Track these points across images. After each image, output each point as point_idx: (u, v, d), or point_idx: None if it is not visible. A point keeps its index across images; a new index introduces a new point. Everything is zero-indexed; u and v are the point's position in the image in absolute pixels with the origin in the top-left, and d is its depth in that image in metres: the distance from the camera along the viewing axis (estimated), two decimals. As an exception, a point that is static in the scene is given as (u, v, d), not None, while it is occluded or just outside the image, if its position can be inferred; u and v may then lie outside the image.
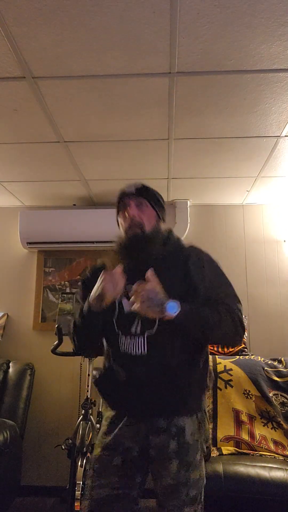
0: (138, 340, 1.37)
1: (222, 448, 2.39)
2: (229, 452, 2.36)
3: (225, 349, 2.96)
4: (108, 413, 1.46)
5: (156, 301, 1.27)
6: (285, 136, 2.25)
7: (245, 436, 2.45)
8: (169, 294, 1.31)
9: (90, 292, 1.42)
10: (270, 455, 2.35)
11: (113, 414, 1.44)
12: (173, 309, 1.27)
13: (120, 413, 1.42)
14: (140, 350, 1.37)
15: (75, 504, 2.02)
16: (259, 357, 2.85)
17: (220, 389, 2.64)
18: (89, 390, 2.46)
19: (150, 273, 1.31)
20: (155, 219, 1.52)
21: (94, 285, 1.41)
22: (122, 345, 1.40)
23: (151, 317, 1.31)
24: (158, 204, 1.55)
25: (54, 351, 2.49)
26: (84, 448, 2.16)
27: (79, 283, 1.64)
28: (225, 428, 2.50)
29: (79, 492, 2.02)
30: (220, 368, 2.72)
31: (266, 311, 3.22)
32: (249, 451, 2.39)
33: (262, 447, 2.41)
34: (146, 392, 1.35)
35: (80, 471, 2.09)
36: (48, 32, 1.49)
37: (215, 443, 2.43)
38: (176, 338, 1.37)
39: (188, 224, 3.32)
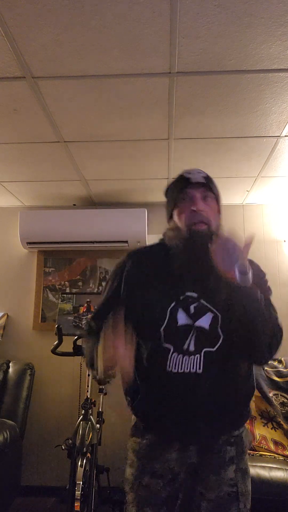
0: (194, 358, 1.18)
1: (222, 448, 2.39)
2: (229, 452, 2.36)
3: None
4: (148, 437, 1.26)
5: (231, 257, 1.10)
6: (285, 136, 2.25)
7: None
8: (232, 300, 1.18)
9: (118, 292, 1.27)
10: (270, 455, 2.36)
11: (154, 438, 1.25)
12: (243, 275, 1.11)
13: (167, 437, 1.24)
14: (195, 367, 1.18)
15: (75, 504, 2.01)
16: (259, 357, 2.84)
17: (220, 389, 2.64)
18: (89, 390, 2.46)
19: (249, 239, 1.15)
20: (219, 216, 1.34)
21: (134, 277, 1.26)
22: (172, 363, 1.19)
23: (220, 272, 1.12)
24: (220, 198, 1.38)
25: (54, 351, 2.49)
26: (84, 448, 2.15)
27: (113, 274, 1.36)
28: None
29: (79, 492, 2.02)
30: (220, 368, 2.72)
31: (266, 311, 3.21)
32: (249, 451, 2.39)
33: (262, 447, 2.41)
34: (201, 414, 1.19)
35: (80, 471, 2.09)
36: (48, 32, 1.49)
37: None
38: (233, 355, 1.22)
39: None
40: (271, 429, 2.52)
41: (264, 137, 2.28)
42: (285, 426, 2.52)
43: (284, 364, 2.79)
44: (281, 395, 2.63)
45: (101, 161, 2.60)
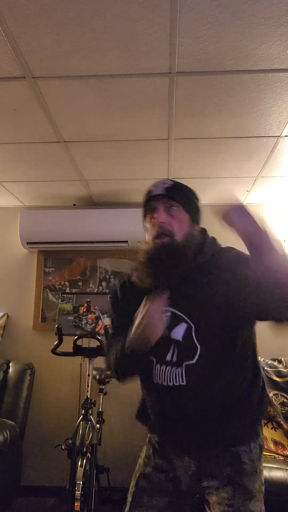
0: (176, 369, 1.18)
1: (222, 448, 2.39)
2: (229, 452, 2.36)
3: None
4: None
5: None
6: (285, 136, 2.25)
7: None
8: (209, 308, 1.18)
9: (123, 313, 1.31)
10: (270, 455, 2.36)
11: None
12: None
13: (165, 447, 1.31)
14: (178, 380, 1.18)
15: (75, 504, 2.01)
16: (259, 357, 2.84)
17: (220, 389, 2.64)
18: (89, 390, 2.46)
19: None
20: (188, 224, 1.30)
21: (127, 303, 1.30)
22: (157, 374, 1.21)
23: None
24: (192, 206, 1.36)
25: (54, 351, 2.49)
26: (84, 448, 2.15)
27: (110, 303, 1.42)
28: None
29: (79, 492, 2.02)
30: (220, 368, 2.72)
31: (266, 311, 3.21)
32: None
33: (262, 447, 2.41)
34: (192, 427, 1.20)
35: (80, 471, 2.09)
36: (48, 32, 1.49)
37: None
38: (221, 367, 1.19)
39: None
40: (271, 429, 2.52)
41: (264, 137, 2.28)
42: (285, 426, 2.52)
43: (284, 364, 2.79)
44: (281, 395, 2.63)
45: (101, 161, 2.60)
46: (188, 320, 1.20)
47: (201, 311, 1.20)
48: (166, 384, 1.19)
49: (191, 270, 1.23)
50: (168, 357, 1.19)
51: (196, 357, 1.17)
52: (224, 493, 1.18)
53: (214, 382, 1.18)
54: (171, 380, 1.18)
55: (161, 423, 1.27)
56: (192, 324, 1.20)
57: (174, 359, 1.19)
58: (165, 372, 1.19)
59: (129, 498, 1.30)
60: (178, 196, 1.31)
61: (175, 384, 1.17)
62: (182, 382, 1.17)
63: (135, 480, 1.33)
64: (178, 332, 1.20)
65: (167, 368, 1.19)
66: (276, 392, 2.64)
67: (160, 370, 1.20)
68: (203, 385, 1.18)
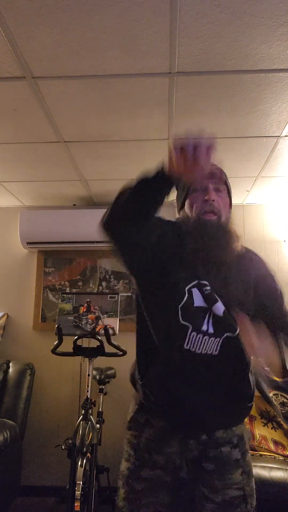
0: (214, 340, 1.19)
1: (222, 448, 2.39)
2: (229, 452, 2.36)
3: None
4: (148, 431, 1.25)
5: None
6: (285, 136, 2.25)
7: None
8: (241, 296, 1.22)
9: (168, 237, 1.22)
10: (270, 455, 2.36)
11: (160, 426, 1.23)
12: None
13: (174, 425, 1.23)
14: (212, 349, 1.19)
15: (75, 504, 2.01)
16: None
17: (220, 389, 2.64)
18: (89, 390, 2.46)
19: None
20: (228, 209, 1.32)
21: (171, 238, 1.23)
22: (191, 341, 1.18)
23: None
24: (230, 191, 1.36)
25: (54, 351, 2.49)
26: (84, 448, 2.15)
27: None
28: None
29: (79, 492, 2.02)
30: (220, 368, 2.72)
31: (266, 311, 3.21)
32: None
33: (262, 447, 2.41)
34: (214, 401, 1.20)
35: (80, 471, 2.09)
36: (48, 32, 1.49)
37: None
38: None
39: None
40: (271, 429, 2.52)
41: (264, 137, 2.28)
42: (285, 426, 2.52)
43: (284, 364, 2.79)
44: (281, 395, 2.63)
45: (101, 161, 2.60)
46: (225, 300, 1.23)
47: (235, 297, 1.24)
48: (199, 352, 1.18)
49: (233, 256, 1.25)
50: (204, 328, 1.19)
51: (237, 332, 1.20)
52: (234, 477, 1.20)
53: (240, 359, 1.23)
54: (205, 348, 1.19)
55: (180, 395, 1.20)
56: (229, 303, 1.23)
57: (211, 330, 1.19)
58: (201, 340, 1.19)
59: (122, 504, 1.24)
60: (227, 179, 1.34)
61: (209, 352, 1.19)
62: (215, 352, 1.19)
63: (128, 486, 1.24)
64: (219, 308, 1.22)
65: (204, 337, 1.19)
66: (276, 392, 2.64)
67: (196, 338, 1.19)
68: (233, 360, 1.22)
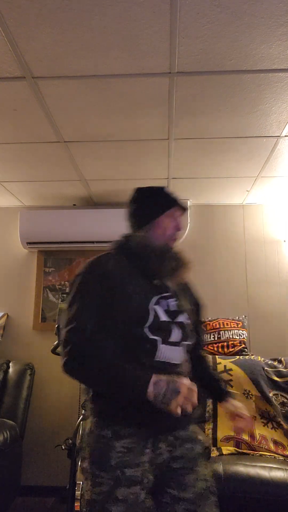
0: (178, 348, 1.31)
1: (222, 448, 2.39)
2: (229, 452, 2.36)
3: (225, 349, 2.96)
4: (118, 443, 1.21)
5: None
6: (285, 136, 2.25)
7: (245, 436, 2.45)
8: (190, 312, 1.42)
9: (112, 293, 1.28)
10: (270, 455, 2.36)
11: (129, 433, 1.22)
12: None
13: (144, 433, 1.24)
14: (178, 358, 1.31)
15: (75, 504, 2.01)
16: (259, 357, 2.85)
17: (220, 389, 2.64)
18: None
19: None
20: None
21: (115, 281, 1.30)
22: (162, 352, 1.27)
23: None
24: None
25: (54, 351, 2.49)
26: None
27: (92, 282, 1.33)
28: (225, 428, 2.50)
29: (79, 492, 2.02)
30: (220, 368, 2.72)
31: (266, 311, 3.22)
32: (249, 451, 2.39)
33: (262, 447, 2.41)
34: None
35: (80, 471, 2.08)
36: (48, 32, 1.49)
37: (215, 443, 2.43)
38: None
39: (188, 224, 3.32)
40: (271, 429, 2.52)
41: (264, 137, 2.28)
42: (285, 426, 2.52)
43: (284, 364, 2.79)
44: (281, 395, 2.63)
45: (101, 161, 2.60)
46: (185, 312, 1.40)
47: (189, 309, 1.43)
48: (168, 362, 1.28)
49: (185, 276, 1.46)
50: (172, 338, 1.31)
51: (194, 339, 1.40)
52: (202, 470, 1.29)
53: (191, 362, 1.42)
54: (173, 358, 1.29)
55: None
56: (187, 315, 1.40)
57: (177, 339, 1.32)
58: (170, 351, 1.29)
59: None
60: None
61: (175, 362, 1.29)
62: (179, 360, 1.31)
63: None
64: (183, 318, 1.36)
65: (171, 348, 1.30)
66: (276, 392, 2.64)
67: (165, 348, 1.28)
68: (188, 362, 1.38)
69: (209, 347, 2.99)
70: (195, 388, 1.14)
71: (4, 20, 1.43)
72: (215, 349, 2.97)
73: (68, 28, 1.48)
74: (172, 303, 1.35)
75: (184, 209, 1.46)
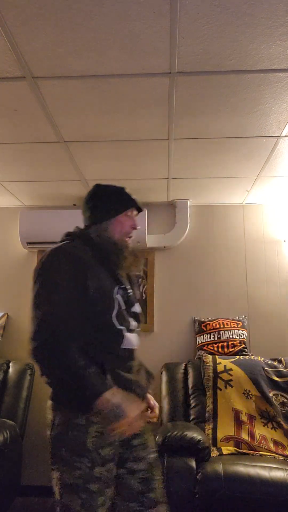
0: (135, 334, 1.47)
1: (222, 448, 2.39)
2: (229, 452, 2.36)
3: (225, 349, 2.96)
4: (92, 428, 1.31)
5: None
6: (285, 136, 2.25)
7: (245, 436, 2.45)
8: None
9: (84, 280, 1.33)
10: (270, 455, 2.36)
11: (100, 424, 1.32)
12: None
13: None
14: (136, 343, 1.46)
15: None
16: (259, 357, 2.85)
17: (220, 389, 2.64)
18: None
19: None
20: None
21: (86, 268, 1.36)
22: (126, 340, 1.41)
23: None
24: None
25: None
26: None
27: (72, 267, 1.37)
28: (225, 428, 2.50)
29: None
30: (220, 368, 2.73)
31: (266, 311, 3.22)
32: (249, 451, 2.39)
33: (262, 447, 2.41)
34: (144, 386, 1.46)
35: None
36: (48, 32, 1.49)
37: (215, 443, 2.43)
38: None
39: (188, 224, 3.32)
40: (271, 429, 2.52)
41: (264, 137, 2.28)
42: (285, 426, 2.52)
43: (284, 364, 2.79)
44: (281, 395, 2.63)
45: (101, 161, 2.60)
46: (137, 302, 1.55)
47: (139, 298, 1.60)
48: (132, 348, 1.43)
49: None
50: (131, 326, 1.45)
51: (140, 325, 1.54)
52: (151, 443, 1.47)
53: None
54: (134, 344, 1.45)
55: (130, 388, 1.36)
56: (139, 304, 1.55)
57: (134, 327, 1.47)
58: (131, 337, 1.43)
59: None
60: None
61: (135, 347, 1.45)
62: (137, 345, 1.47)
63: (84, 492, 1.26)
64: (138, 308, 1.52)
65: (132, 335, 1.44)
66: (276, 392, 2.64)
67: (129, 336, 1.42)
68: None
69: (209, 347, 3.00)
70: (141, 419, 1.24)
71: (4, 20, 1.43)
72: (215, 349, 2.97)
73: (68, 28, 1.48)
74: (129, 293, 1.48)
75: (140, 210, 1.59)
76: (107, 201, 1.55)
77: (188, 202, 3.34)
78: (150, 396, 1.54)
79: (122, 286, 1.47)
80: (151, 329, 3.21)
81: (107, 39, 1.53)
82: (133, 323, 1.46)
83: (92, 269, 1.38)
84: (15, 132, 2.22)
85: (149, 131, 2.23)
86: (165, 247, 3.33)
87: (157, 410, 1.53)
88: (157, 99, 1.91)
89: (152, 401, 1.55)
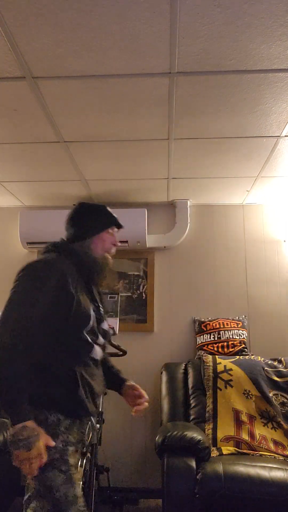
0: (100, 348, 1.57)
1: (222, 448, 2.39)
2: (229, 452, 2.36)
3: (225, 349, 2.96)
4: (66, 422, 1.44)
5: None
6: (285, 136, 2.25)
7: (245, 436, 2.45)
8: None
9: (65, 294, 1.43)
10: (270, 455, 2.36)
11: (68, 420, 1.44)
12: None
13: (76, 415, 1.48)
14: (100, 356, 1.57)
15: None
16: (259, 357, 2.85)
17: (220, 389, 2.64)
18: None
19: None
20: None
21: (69, 284, 1.45)
22: (95, 350, 1.52)
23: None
24: None
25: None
26: (84, 448, 2.15)
27: (56, 278, 1.45)
28: (225, 428, 2.50)
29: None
30: (220, 368, 2.73)
31: (266, 311, 3.22)
32: (249, 451, 2.39)
33: (262, 447, 2.41)
34: (100, 392, 1.57)
35: (80, 471, 2.08)
36: (48, 32, 1.49)
37: (215, 443, 2.43)
38: None
39: (188, 224, 3.32)
40: (271, 429, 2.52)
41: (264, 137, 2.28)
42: (285, 426, 2.52)
43: (284, 364, 2.79)
44: (281, 395, 2.63)
45: (101, 161, 2.60)
46: (105, 319, 1.65)
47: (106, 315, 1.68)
48: (98, 358, 1.55)
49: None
50: (100, 341, 1.56)
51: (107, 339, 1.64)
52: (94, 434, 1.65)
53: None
54: (99, 356, 1.55)
55: (91, 392, 1.49)
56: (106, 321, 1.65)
57: (101, 342, 1.57)
58: (98, 351, 1.54)
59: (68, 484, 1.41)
60: None
61: (99, 359, 1.56)
62: (100, 357, 1.57)
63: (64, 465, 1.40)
64: (106, 325, 1.62)
65: (99, 348, 1.55)
66: (276, 392, 2.64)
67: (96, 348, 1.53)
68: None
69: (209, 347, 3.00)
70: (45, 457, 1.27)
71: (4, 20, 1.43)
72: (215, 349, 2.97)
73: (68, 28, 1.48)
74: (100, 311, 1.60)
75: (120, 227, 1.69)
76: (90, 219, 1.66)
77: (188, 202, 3.34)
78: (136, 386, 1.71)
79: (96, 304, 1.58)
80: (151, 329, 3.21)
81: (107, 39, 1.53)
82: (101, 339, 1.57)
83: (74, 286, 1.46)
84: (15, 132, 2.22)
85: (149, 131, 2.23)
86: (165, 247, 3.33)
87: (146, 396, 1.68)
88: (157, 99, 1.91)
89: (140, 390, 1.69)
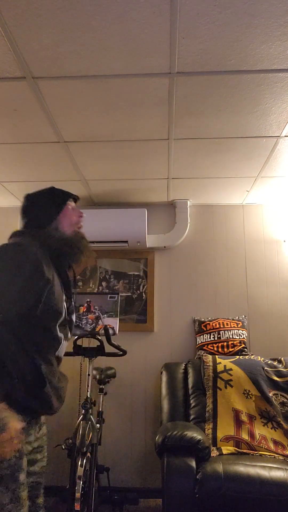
0: (66, 343, 1.50)
1: (222, 448, 2.39)
2: (229, 452, 2.36)
3: (225, 349, 2.96)
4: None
5: None
6: (285, 136, 2.25)
7: (245, 436, 2.45)
8: None
9: (42, 283, 1.31)
10: (270, 455, 2.36)
11: (28, 420, 1.34)
12: None
13: (37, 415, 1.41)
14: (63, 352, 1.50)
15: (75, 504, 2.02)
16: (259, 357, 2.85)
17: (220, 389, 2.64)
18: (89, 390, 2.46)
19: None
20: None
21: (45, 273, 1.33)
22: (61, 348, 1.45)
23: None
24: None
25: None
26: (84, 448, 2.16)
27: (37, 264, 1.34)
28: (225, 428, 2.50)
29: (79, 492, 2.02)
30: (220, 368, 2.73)
31: (266, 311, 3.22)
32: (249, 451, 2.39)
33: (262, 447, 2.41)
34: (63, 391, 1.48)
35: (80, 471, 2.09)
36: (48, 32, 1.50)
37: (215, 443, 2.43)
38: None
39: (188, 224, 3.32)
40: (271, 429, 2.52)
41: (264, 137, 2.28)
42: (285, 426, 2.52)
43: (284, 364, 2.79)
44: (281, 395, 2.63)
45: (101, 161, 2.60)
46: (75, 311, 1.56)
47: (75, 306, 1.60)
48: (61, 356, 1.47)
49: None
50: (68, 335, 1.48)
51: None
52: (45, 448, 1.49)
53: None
54: (63, 352, 1.48)
55: (55, 391, 1.38)
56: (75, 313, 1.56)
57: (69, 336, 1.50)
58: (63, 347, 1.47)
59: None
60: None
61: (62, 356, 1.48)
62: (63, 354, 1.49)
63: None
64: (74, 317, 1.54)
65: (65, 343, 1.48)
66: (276, 392, 2.64)
67: (63, 344, 1.46)
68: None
69: (209, 347, 3.00)
70: (16, 443, 1.18)
71: (4, 20, 1.43)
72: (215, 349, 2.97)
73: (68, 28, 1.48)
74: (71, 303, 1.50)
75: (77, 199, 1.62)
76: (46, 202, 1.55)
77: (188, 202, 3.34)
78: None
79: (68, 294, 1.49)
80: (151, 329, 3.21)
81: (107, 39, 1.53)
82: (68, 333, 1.49)
83: (49, 276, 1.35)
84: (15, 132, 2.22)
85: (149, 131, 2.23)
86: (165, 247, 3.33)
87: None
88: (157, 99, 1.91)
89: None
